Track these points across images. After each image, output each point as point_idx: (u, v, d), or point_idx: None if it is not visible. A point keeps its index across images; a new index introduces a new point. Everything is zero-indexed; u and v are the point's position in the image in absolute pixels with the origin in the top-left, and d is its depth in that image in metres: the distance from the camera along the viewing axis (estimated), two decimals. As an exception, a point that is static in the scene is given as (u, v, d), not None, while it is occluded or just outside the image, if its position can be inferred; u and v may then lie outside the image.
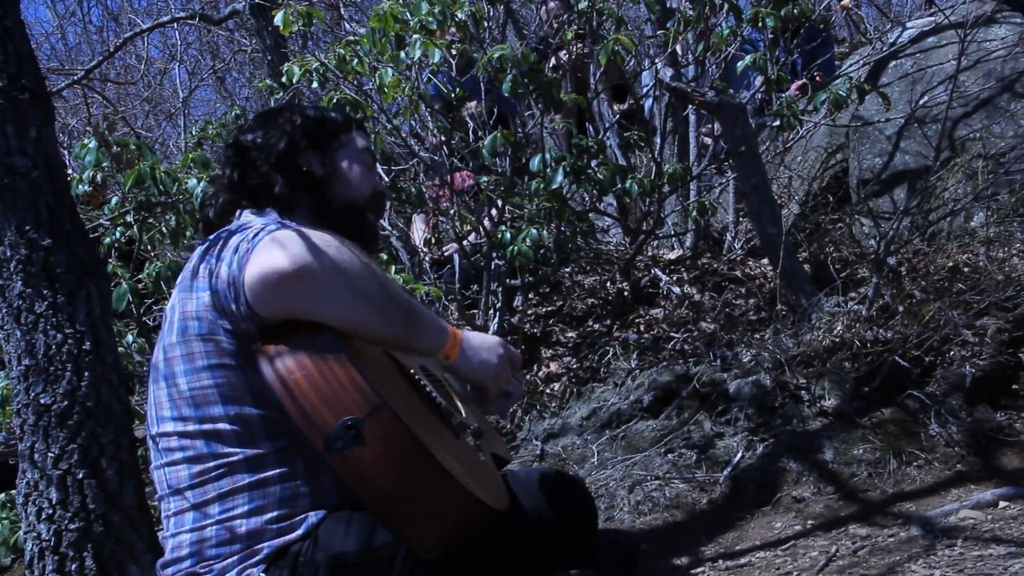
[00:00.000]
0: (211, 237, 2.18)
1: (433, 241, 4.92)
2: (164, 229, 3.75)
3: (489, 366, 2.21)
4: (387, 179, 4.59)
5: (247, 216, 2.27)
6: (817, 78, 5.64)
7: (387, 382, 2.01)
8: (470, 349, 2.19)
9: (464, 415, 2.25)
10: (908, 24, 5.76)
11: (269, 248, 1.96)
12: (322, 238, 2.01)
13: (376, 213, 2.42)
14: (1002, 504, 3.20)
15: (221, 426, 2.08)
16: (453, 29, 4.13)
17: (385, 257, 4.58)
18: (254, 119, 2.45)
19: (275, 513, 2.06)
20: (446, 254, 5.11)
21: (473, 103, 4.66)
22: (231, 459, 2.07)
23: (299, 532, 2.05)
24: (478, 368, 2.21)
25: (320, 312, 1.99)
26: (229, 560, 2.05)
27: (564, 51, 5.21)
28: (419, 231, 5.42)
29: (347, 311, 2.00)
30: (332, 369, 1.89)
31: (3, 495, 3.35)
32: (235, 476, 2.07)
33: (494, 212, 4.50)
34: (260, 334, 2.00)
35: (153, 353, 2.23)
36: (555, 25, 5.94)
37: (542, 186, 4.06)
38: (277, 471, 2.07)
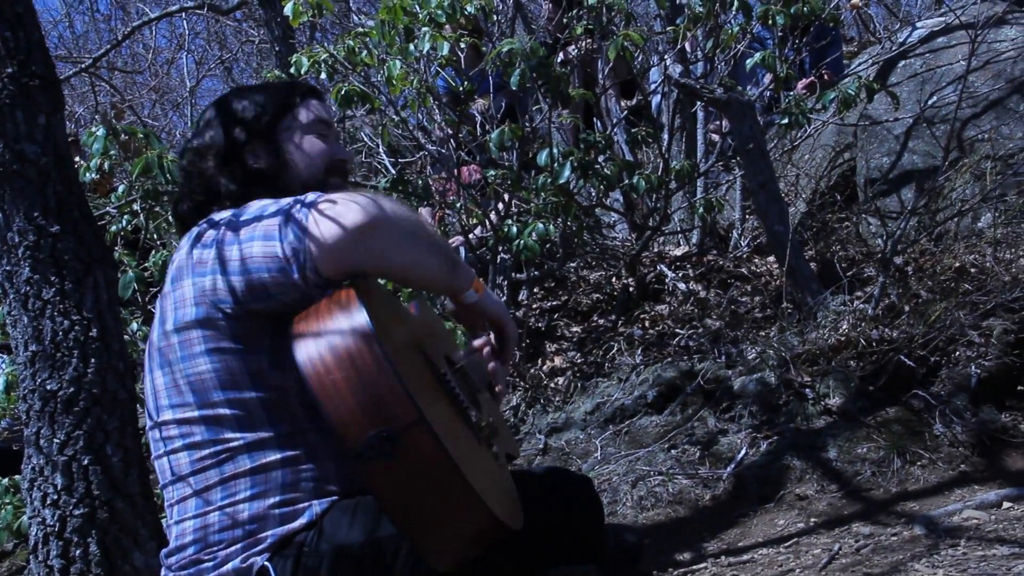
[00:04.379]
0: (201, 226, 2.19)
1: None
2: (170, 218, 3.75)
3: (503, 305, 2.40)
4: (393, 171, 4.59)
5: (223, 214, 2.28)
6: (825, 76, 5.64)
7: (418, 379, 1.99)
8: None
9: (482, 410, 2.26)
10: (918, 24, 5.75)
11: (337, 207, 2.00)
12: (369, 194, 2.07)
13: (337, 178, 2.41)
14: (1006, 505, 3.20)
15: (221, 411, 2.08)
16: (463, 21, 4.12)
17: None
18: (205, 117, 2.44)
19: (277, 498, 2.06)
20: (452, 247, 5.11)
21: (481, 101, 4.67)
22: (232, 444, 2.08)
23: (303, 521, 2.05)
24: (497, 303, 2.38)
25: (391, 260, 2.08)
26: (233, 548, 2.05)
27: (573, 46, 5.21)
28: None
29: (413, 255, 2.11)
30: (372, 372, 1.86)
31: (7, 480, 3.37)
32: (236, 461, 2.08)
33: (500, 206, 4.50)
34: (292, 317, 2.01)
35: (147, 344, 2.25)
36: (553, 25, 5.95)
37: (549, 181, 4.06)
38: (279, 456, 2.08)
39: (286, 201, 2.09)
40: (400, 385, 1.84)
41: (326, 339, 1.90)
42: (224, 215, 2.18)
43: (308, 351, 1.90)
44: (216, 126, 2.37)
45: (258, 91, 2.44)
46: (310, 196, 2.06)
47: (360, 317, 1.90)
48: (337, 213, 2.00)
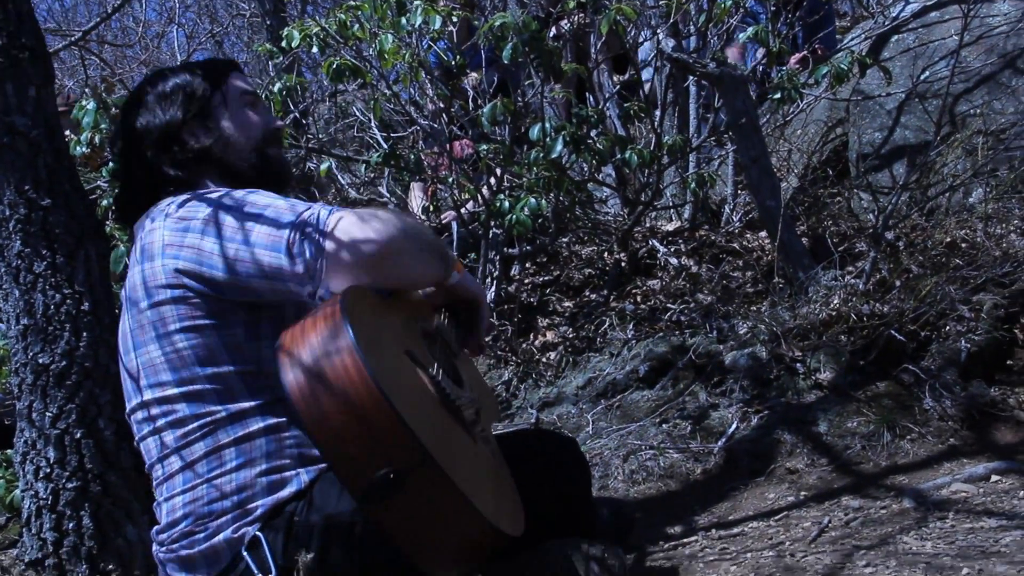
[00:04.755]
0: (171, 204, 2.19)
1: (431, 209, 4.92)
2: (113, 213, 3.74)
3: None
4: (385, 146, 4.58)
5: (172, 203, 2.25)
6: (818, 51, 5.63)
7: (413, 399, 1.94)
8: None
9: (466, 386, 2.25)
10: (911, -2, 5.74)
11: (355, 229, 2.01)
12: (377, 211, 2.08)
13: (275, 148, 2.43)
14: (994, 478, 3.22)
15: (200, 386, 2.09)
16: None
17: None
18: (128, 102, 2.42)
19: (263, 466, 2.07)
20: (444, 221, 5.12)
21: (474, 75, 4.66)
22: (214, 416, 2.09)
23: (292, 489, 2.06)
24: (473, 281, 2.42)
25: (404, 278, 2.14)
26: (223, 519, 2.07)
27: (565, 20, 5.20)
28: (417, 199, 5.42)
29: (422, 268, 2.15)
30: (372, 414, 1.78)
31: (1, 454, 3.37)
32: (220, 433, 2.09)
33: (493, 181, 4.50)
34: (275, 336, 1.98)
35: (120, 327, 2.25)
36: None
37: (541, 155, 4.06)
38: (261, 424, 2.09)
39: (291, 208, 2.07)
40: (402, 425, 1.78)
41: (318, 375, 1.83)
42: (212, 197, 2.17)
43: (301, 388, 1.82)
44: (148, 111, 2.35)
45: (181, 71, 2.42)
46: (322, 212, 2.05)
47: (350, 347, 1.82)
48: (356, 236, 2.00)
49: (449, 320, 2.43)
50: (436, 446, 1.83)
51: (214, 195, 2.17)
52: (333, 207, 2.07)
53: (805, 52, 5.39)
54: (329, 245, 1.99)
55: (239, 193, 2.16)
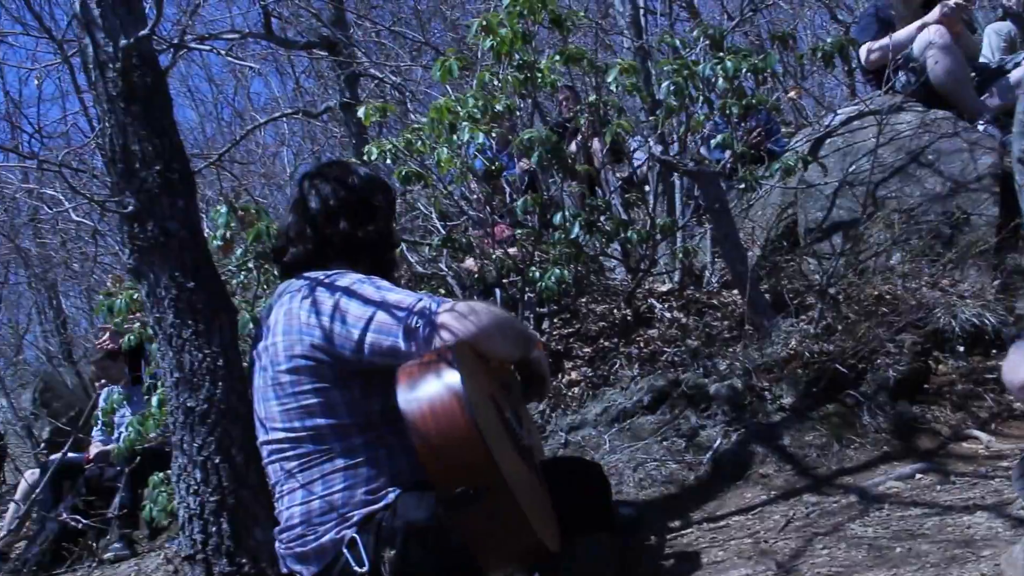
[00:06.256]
0: (304, 288, 2.20)
1: (478, 278, 4.93)
2: (275, 273, 3.77)
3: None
4: (443, 232, 4.62)
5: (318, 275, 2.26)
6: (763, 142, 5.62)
7: (495, 434, 1.96)
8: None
9: (524, 427, 2.27)
10: (838, 111, 5.74)
11: (460, 315, 2.05)
12: (475, 304, 2.12)
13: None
14: (918, 476, 3.19)
15: (323, 431, 2.11)
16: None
17: (443, 292, 4.61)
18: (369, 182, 2.44)
19: (363, 489, 2.09)
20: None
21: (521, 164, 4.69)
22: (331, 451, 2.11)
23: (382, 504, 2.07)
24: (545, 361, 2.44)
25: (492, 354, 2.16)
26: (328, 524, 2.08)
27: (579, 134, 5.23)
28: (470, 266, 5.41)
29: (509, 350, 2.20)
30: (467, 443, 1.84)
31: (162, 474, 3.41)
32: (334, 462, 2.11)
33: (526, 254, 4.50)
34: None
35: (254, 379, 2.27)
36: (569, 109, 5.98)
37: (563, 236, 4.08)
38: (365, 456, 2.11)
39: (406, 299, 2.09)
40: (489, 455, 1.82)
41: (429, 404, 1.88)
42: (341, 284, 2.17)
43: (414, 414, 1.88)
44: (382, 196, 2.42)
45: (385, 187, 2.48)
46: (432, 303, 2.07)
47: (458, 386, 1.88)
48: (461, 323, 2.03)
49: (517, 374, 2.45)
50: (510, 474, 1.85)
51: (343, 281, 2.18)
52: (441, 299, 2.10)
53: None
54: (440, 328, 2.02)
55: (364, 280, 2.18)
